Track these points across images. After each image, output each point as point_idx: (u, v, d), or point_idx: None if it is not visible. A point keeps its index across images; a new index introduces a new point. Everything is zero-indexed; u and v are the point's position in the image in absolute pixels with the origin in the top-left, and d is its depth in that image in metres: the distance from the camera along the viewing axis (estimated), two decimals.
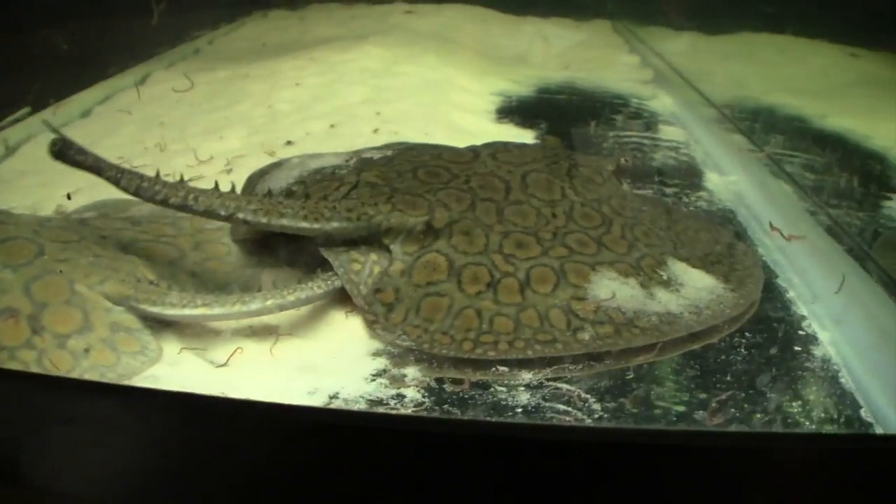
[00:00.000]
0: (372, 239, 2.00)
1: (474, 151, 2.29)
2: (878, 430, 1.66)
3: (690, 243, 2.17)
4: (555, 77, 4.67)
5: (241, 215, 1.89)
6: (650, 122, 3.86)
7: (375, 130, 3.19)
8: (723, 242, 2.28)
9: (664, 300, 1.90)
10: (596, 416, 1.66)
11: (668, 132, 3.69)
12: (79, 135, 3.32)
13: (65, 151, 1.86)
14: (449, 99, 3.79)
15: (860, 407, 1.73)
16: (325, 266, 1.99)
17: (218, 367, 1.78)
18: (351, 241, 2.01)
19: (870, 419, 1.70)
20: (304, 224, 1.94)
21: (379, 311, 1.87)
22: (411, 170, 2.18)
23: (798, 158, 3.38)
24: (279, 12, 6.56)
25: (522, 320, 1.80)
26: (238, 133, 3.23)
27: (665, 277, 1.97)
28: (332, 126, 3.24)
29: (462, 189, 2.10)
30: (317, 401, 1.69)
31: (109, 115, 3.74)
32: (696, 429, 1.62)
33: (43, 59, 3.72)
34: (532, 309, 1.82)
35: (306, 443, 1.46)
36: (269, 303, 1.85)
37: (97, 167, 1.89)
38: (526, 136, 3.39)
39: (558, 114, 3.88)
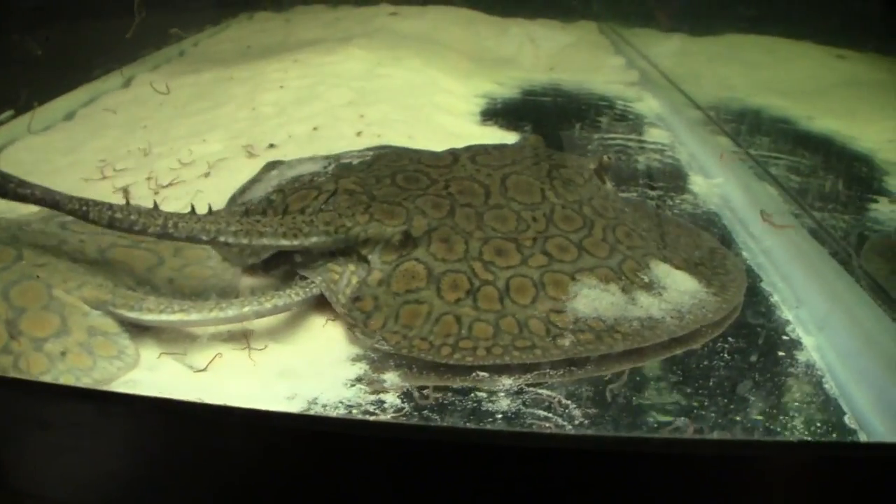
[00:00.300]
0: (350, 250, 1.98)
1: (454, 155, 2.27)
2: (862, 437, 1.65)
3: (673, 245, 2.17)
4: (540, 79, 4.65)
5: (222, 238, 1.87)
6: (635, 124, 3.84)
7: (358, 133, 3.17)
8: (704, 246, 2.27)
9: (646, 304, 1.89)
10: (576, 422, 1.64)
11: (653, 134, 3.68)
12: (61, 138, 3.38)
13: (4, 186, 1.81)
14: (433, 101, 3.77)
15: (844, 413, 1.72)
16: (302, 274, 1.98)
17: (197, 371, 1.77)
18: (330, 252, 1.99)
19: (853, 426, 1.68)
20: (284, 241, 1.92)
21: (358, 317, 1.86)
22: (390, 175, 2.16)
23: (783, 160, 3.37)
24: (265, 14, 6.52)
25: (502, 326, 1.79)
26: (220, 135, 3.21)
27: (647, 280, 1.96)
28: (314, 129, 3.22)
29: (441, 195, 2.08)
30: (295, 406, 1.68)
31: (93, 118, 3.71)
32: (675, 437, 1.60)
33: (26, 61, 3.68)
34: (511, 317, 1.81)
35: (283, 449, 1.44)
36: (245, 309, 1.83)
37: (52, 201, 1.83)
38: (510, 139, 3.34)
39: (543, 116, 3.87)
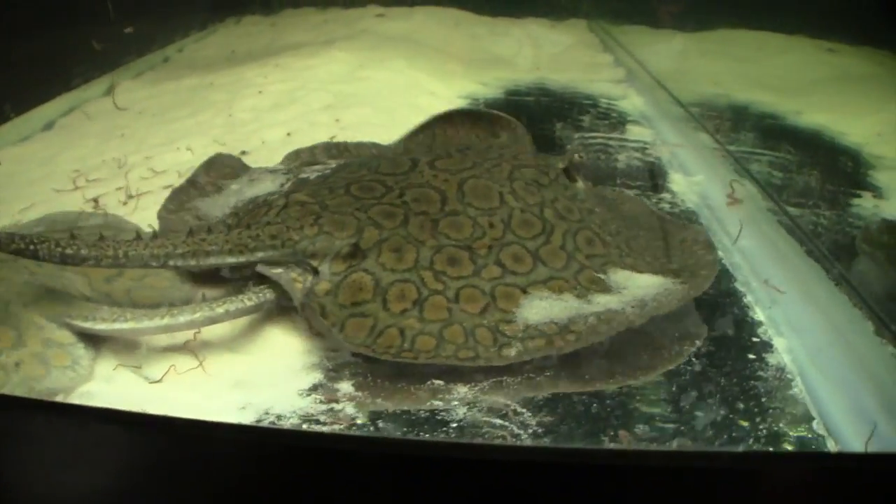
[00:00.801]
0: (300, 262, 1.94)
1: (413, 161, 2.21)
2: (830, 444, 1.61)
3: (640, 250, 2.10)
4: (525, 78, 4.62)
5: (171, 262, 1.84)
6: (618, 122, 3.80)
7: (332, 138, 3.12)
8: (674, 241, 2.20)
9: (603, 302, 1.85)
10: (530, 430, 1.60)
11: (635, 132, 3.63)
12: (39, 148, 3.35)
13: None
14: (413, 103, 3.73)
15: (812, 419, 1.68)
16: (256, 280, 1.95)
17: (152, 383, 1.75)
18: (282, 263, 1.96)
19: (822, 432, 1.64)
20: (231, 259, 1.90)
21: (314, 310, 1.85)
22: (345, 185, 2.11)
23: (767, 156, 3.33)
24: (252, 18, 6.49)
25: (446, 336, 1.74)
26: (195, 143, 3.17)
27: (605, 287, 1.91)
28: (288, 134, 3.18)
29: (395, 204, 2.03)
30: (248, 416, 1.65)
31: (72, 127, 3.68)
32: (632, 448, 1.56)
33: (3, 70, 3.64)
34: (458, 325, 1.77)
35: (232, 460, 1.41)
36: (197, 315, 1.81)
37: None
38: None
39: (525, 116, 3.77)
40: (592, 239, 2.04)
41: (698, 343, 1.90)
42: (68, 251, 1.75)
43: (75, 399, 1.69)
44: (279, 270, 1.92)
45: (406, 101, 3.75)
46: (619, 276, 1.94)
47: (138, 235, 1.86)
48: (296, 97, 3.71)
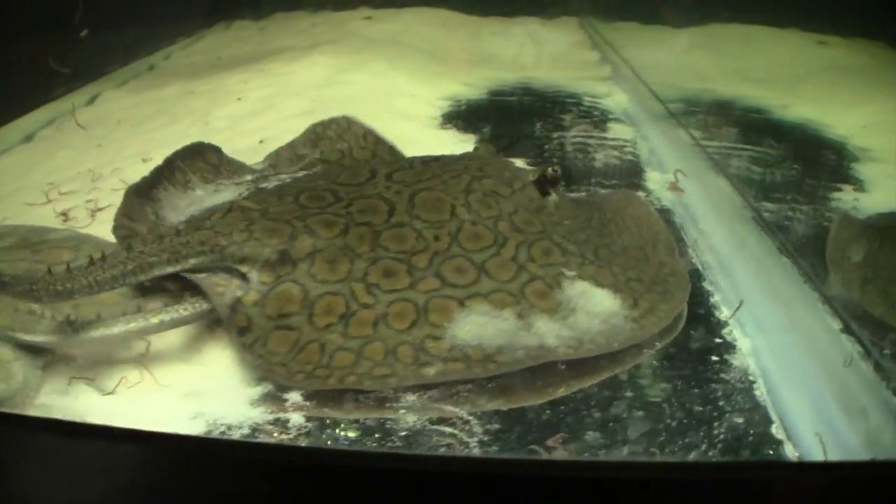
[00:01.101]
0: (229, 268, 1.91)
1: (373, 171, 2.18)
2: (788, 449, 1.57)
3: (607, 260, 2.00)
4: (510, 78, 4.58)
5: (122, 281, 1.80)
6: (599, 120, 3.77)
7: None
8: (654, 260, 2.08)
9: (542, 331, 1.75)
10: (476, 438, 1.58)
11: (616, 130, 3.60)
12: (16, 161, 3.32)
13: None
14: (392, 106, 3.69)
15: (772, 422, 1.64)
16: (193, 290, 1.91)
17: (105, 395, 1.73)
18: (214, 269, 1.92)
19: (780, 436, 1.60)
20: (169, 268, 1.86)
21: (232, 331, 1.81)
22: (295, 193, 2.08)
23: (748, 151, 3.29)
24: (242, 23, 6.46)
25: (365, 353, 1.69)
26: (168, 153, 3.13)
27: (553, 304, 1.81)
28: (260, 142, 3.14)
29: (339, 214, 1.99)
30: (199, 427, 1.63)
31: (52, 139, 3.66)
32: (579, 458, 1.53)
33: None
34: (380, 342, 1.72)
35: (176, 471, 1.41)
36: (132, 325, 1.79)
37: None
38: (467, 141, 3.31)
39: (505, 116, 3.80)
40: (550, 249, 1.96)
41: (658, 345, 1.86)
42: (18, 288, 1.71)
43: (31, 411, 1.68)
44: (202, 276, 1.89)
45: (385, 104, 3.71)
46: (574, 289, 1.86)
47: (91, 260, 1.80)
48: (273, 103, 3.68)
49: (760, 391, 1.73)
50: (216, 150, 2.56)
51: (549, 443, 1.57)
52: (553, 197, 2.18)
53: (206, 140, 3.08)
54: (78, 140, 3.56)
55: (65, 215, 2.65)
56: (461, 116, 3.75)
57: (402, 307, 1.78)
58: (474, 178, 2.12)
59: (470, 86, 4.34)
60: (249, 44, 5.62)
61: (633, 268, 1.98)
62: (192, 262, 1.88)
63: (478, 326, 1.74)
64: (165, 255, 1.85)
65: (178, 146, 3.07)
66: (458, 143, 3.29)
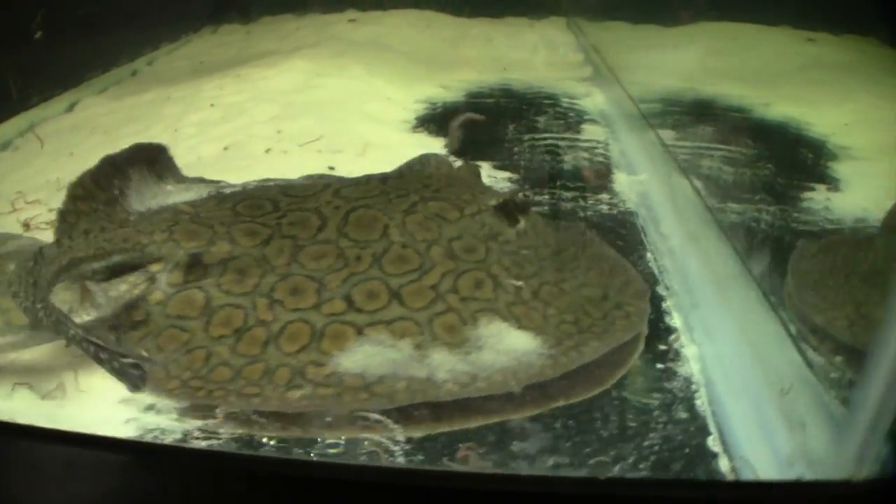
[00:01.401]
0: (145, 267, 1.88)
1: (326, 185, 2.14)
2: (723, 463, 1.52)
3: (546, 300, 1.86)
4: (490, 80, 4.55)
5: (59, 278, 1.80)
6: (574, 121, 3.73)
7: (267, 150, 3.08)
8: (610, 302, 1.91)
9: (435, 364, 1.66)
10: (398, 446, 1.55)
11: (589, 131, 3.57)
12: None
13: None
14: (364, 110, 3.66)
15: (709, 434, 1.60)
16: None
17: (43, 398, 1.73)
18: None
19: (716, 449, 1.56)
20: (96, 264, 1.84)
21: (123, 322, 1.78)
22: (238, 201, 2.06)
23: (721, 151, 3.24)
24: (230, 27, 6.44)
25: (244, 373, 1.65)
26: None
27: (460, 339, 1.72)
28: (225, 148, 3.12)
29: (267, 224, 1.95)
30: (132, 431, 1.63)
31: (26, 147, 3.65)
32: (496, 472, 1.50)
33: None
34: (263, 363, 1.67)
35: (93, 475, 1.46)
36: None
37: None
38: (436, 145, 3.28)
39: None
40: (483, 281, 1.86)
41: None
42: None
43: None
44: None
45: (356, 108, 3.68)
46: (490, 326, 1.76)
47: (35, 260, 1.81)
48: (244, 109, 3.65)
49: (702, 401, 1.69)
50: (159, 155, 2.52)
51: (461, 453, 1.54)
52: (521, 225, 2.08)
53: (176, 146, 3.07)
54: (52, 148, 3.55)
55: (27, 225, 2.62)
56: (434, 120, 3.71)
57: (297, 328, 1.73)
58: (422, 200, 2.05)
59: (448, 88, 4.31)
60: (233, 48, 5.59)
61: (574, 310, 1.85)
62: (116, 258, 1.85)
63: (367, 355, 1.67)
64: (91, 251, 1.84)
65: None
66: (428, 147, 3.25)
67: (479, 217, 2.03)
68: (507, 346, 1.70)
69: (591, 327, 1.78)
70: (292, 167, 2.77)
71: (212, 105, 3.80)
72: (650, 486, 1.43)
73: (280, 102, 3.70)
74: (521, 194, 2.11)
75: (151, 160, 2.39)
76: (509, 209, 2.08)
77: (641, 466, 1.50)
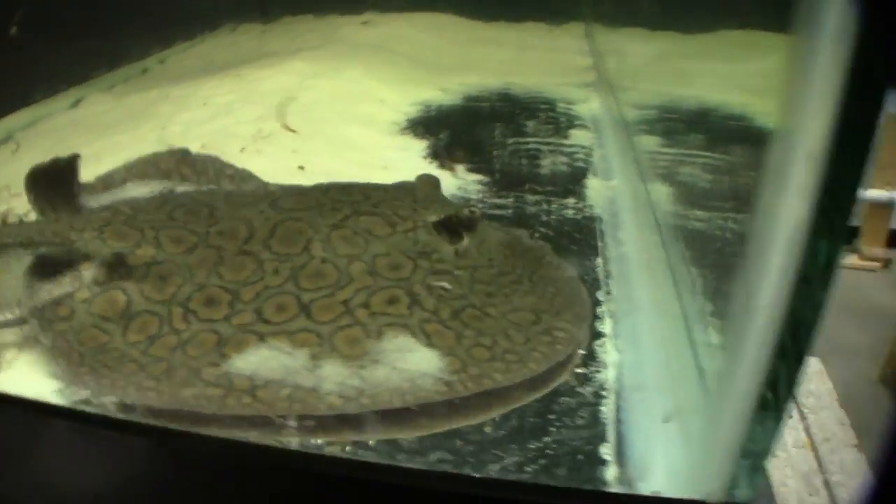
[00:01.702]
0: (74, 263, 1.91)
1: (268, 193, 2.19)
2: (611, 470, 1.51)
3: (465, 322, 1.80)
4: (492, 84, 4.50)
5: None
6: (564, 126, 3.69)
7: (242, 149, 3.09)
8: (540, 327, 1.84)
9: (326, 375, 1.64)
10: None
11: (576, 136, 3.53)
12: None
13: None
14: (352, 111, 3.66)
15: (605, 442, 1.58)
16: None
17: None
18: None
19: (608, 457, 1.54)
20: (23, 251, 1.92)
21: (49, 316, 1.82)
22: (176, 206, 2.08)
23: (704, 158, 3.19)
24: (249, 26, 6.43)
25: (148, 368, 1.67)
26: (116, 159, 3.12)
27: (359, 352, 1.69)
28: (202, 146, 3.12)
29: (196, 232, 1.97)
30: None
31: (26, 143, 3.68)
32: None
33: None
34: (165, 362, 1.68)
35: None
36: None
37: None
38: (417, 147, 3.28)
39: (468, 122, 3.73)
40: (398, 298, 1.82)
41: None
42: None
43: None
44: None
45: (344, 109, 3.67)
46: (395, 342, 1.72)
47: None
48: (231, 109, 3.66)
49: (608, 408, 1.67)
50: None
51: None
52: (463, 242, 2.05)
53: (159, 145, 3.12)
54: (49, 143, 3.54)
55: (4, 217, 2.64)
56: (424, 123, 3.70)
57: (205, 337, 1.73)
58: (355, 213, 2.04)
59: (446, 91, 4.28)
60: (244, 48, 5.59)
61: (494, 334, 1.78)
62: (42, 250, 1.91)
63: (262, 360, 1.67)
64: (20, 239, 1.91)
65: (129, 151, 3.10)
66: (408, 149, 3.26)
67: (413, 234, 2.00)
68: (408, 363, 1.67)
69: (507, 353, 1.72)
70: (262, 167, 2.77)
71: (204, 104, 3.81)
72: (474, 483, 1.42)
73: (266, 104, 3.70)
74: (467, 210, 2.08)
75: (67, 173, 2.43)
76: (452, 225, 2.05)
77: (528, 469, 1.49)
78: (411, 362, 1.66)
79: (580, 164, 3.19)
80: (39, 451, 1.62)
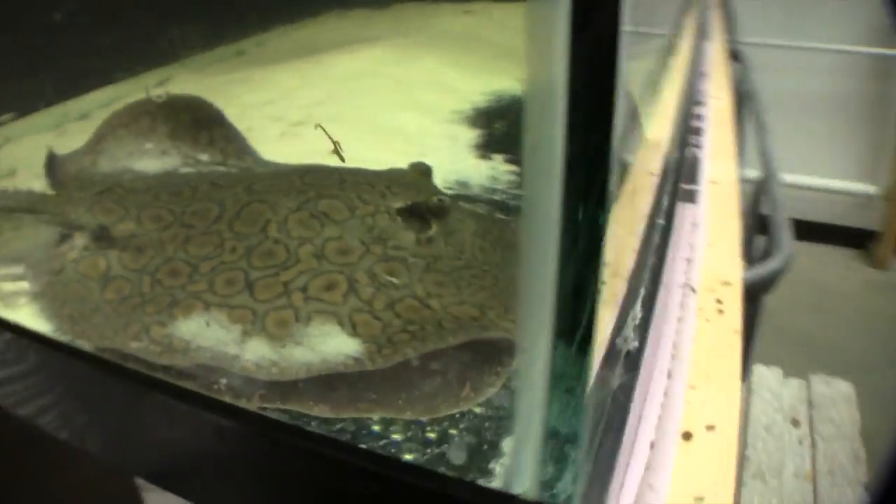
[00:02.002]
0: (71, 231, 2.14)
1: (251, 176, 2.30)
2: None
3: (408, 310, 1.79)
4: None
5: None
6: None
7: (282, 134, 3.09)
8: (487, 312, 1.83)
9: (249, 347, 1.73)
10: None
11: None
12: (50, 138, 3.41)
13: None
14: (413, 98, 3.62)
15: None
16: None
17: None
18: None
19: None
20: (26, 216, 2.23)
21: (41, 267, 2.06)
22: (163, 186, 2.26)
23: None
24: (358, 11, 6.39)
25: (111, 321, 1.86)
26: None
27: (285, 332, 1.74)
28: (247, 129, 3.13)
29: (173, 211, 2.12)
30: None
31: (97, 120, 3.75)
32: None
33: (45, 59, 3.75)
34: (125, 318, 1.86)
35: None
36: None
37: None
38: (466, 136, 3.25)
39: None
40: (337, 283, 1.84)
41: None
42: None
43: None
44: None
45: (405, 95, 3.61)
46: (322, 326, 1.75)
47: None
48: (294, 94, 3.68)
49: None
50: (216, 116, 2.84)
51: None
52: (430, 231, 2.04)
53: None
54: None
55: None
56: (488, 112, 3.63)
57: (161, 300, 1.88)
58: (317, 197, 2.07)
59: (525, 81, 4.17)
60: (343, 34, 5.54)
61: (424, 322, 1.77)
62: (45, 217, 2.17)
63: (200, 326, 1.79)
64: (25, 205, 2.20)
65: None
66: (452, 139, 3.21)
67: (372, 219, 2.01)
68: (327, 346, 1.72)
69: (427, 336, 1.74)
70: (295, 151, 2.79)
71: (270, 87, 3.84)
72: None
73: (326, 89, 3.71)
74: (436, 198, 2.08)
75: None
76: (420, 213, 2.05)
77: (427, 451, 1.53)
78: (330, 345, 1.71)
79: None
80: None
